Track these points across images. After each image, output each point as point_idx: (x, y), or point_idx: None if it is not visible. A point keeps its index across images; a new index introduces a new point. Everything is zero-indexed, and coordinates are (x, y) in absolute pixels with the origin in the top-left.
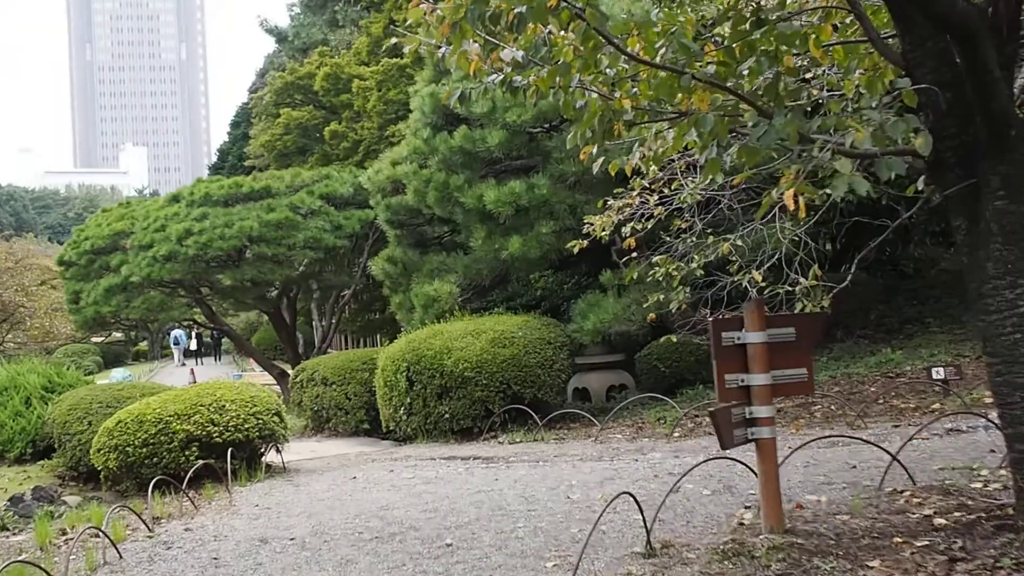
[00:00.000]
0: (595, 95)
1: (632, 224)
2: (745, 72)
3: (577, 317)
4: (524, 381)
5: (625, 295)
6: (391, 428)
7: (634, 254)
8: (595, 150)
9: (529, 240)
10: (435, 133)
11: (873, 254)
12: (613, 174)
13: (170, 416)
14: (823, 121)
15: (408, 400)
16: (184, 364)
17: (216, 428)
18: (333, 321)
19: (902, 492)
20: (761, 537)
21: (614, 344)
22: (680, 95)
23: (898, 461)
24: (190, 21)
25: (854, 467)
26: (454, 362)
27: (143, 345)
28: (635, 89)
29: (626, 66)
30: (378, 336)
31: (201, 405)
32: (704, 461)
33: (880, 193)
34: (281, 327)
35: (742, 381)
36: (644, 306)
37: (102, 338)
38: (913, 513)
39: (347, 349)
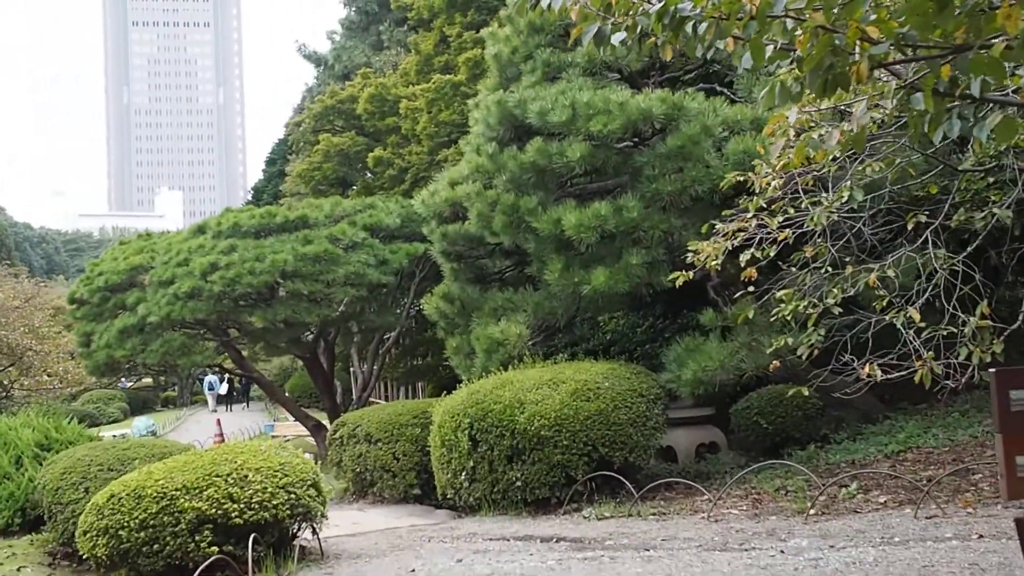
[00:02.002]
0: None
1: (752, 251)
2: None
3: (672, 364)
4: (613, 442)
5: (731, 338)
6: (448, 495)
7: (751, 288)
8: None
9: (616, 273)
10: (502, 148)
11: None
12: (724, 188)
13: (176, 490)
14: None
15: (471, 463)
16: (216, 409)
17: (235, 506)
18: (375, 367)
19: None
20: None
21: (701, 396)
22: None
23: None
24: (227, 65)
25: None
26: (528, 418)
27: (173, 391)
28: (872, 15)
29: None
30: (420, 385)
31: (217, 476)
32: None
33: None
34: (317, 373)
35: None
36: (768, 351)
37: (131, 383)
38: None
39: (387, 398)
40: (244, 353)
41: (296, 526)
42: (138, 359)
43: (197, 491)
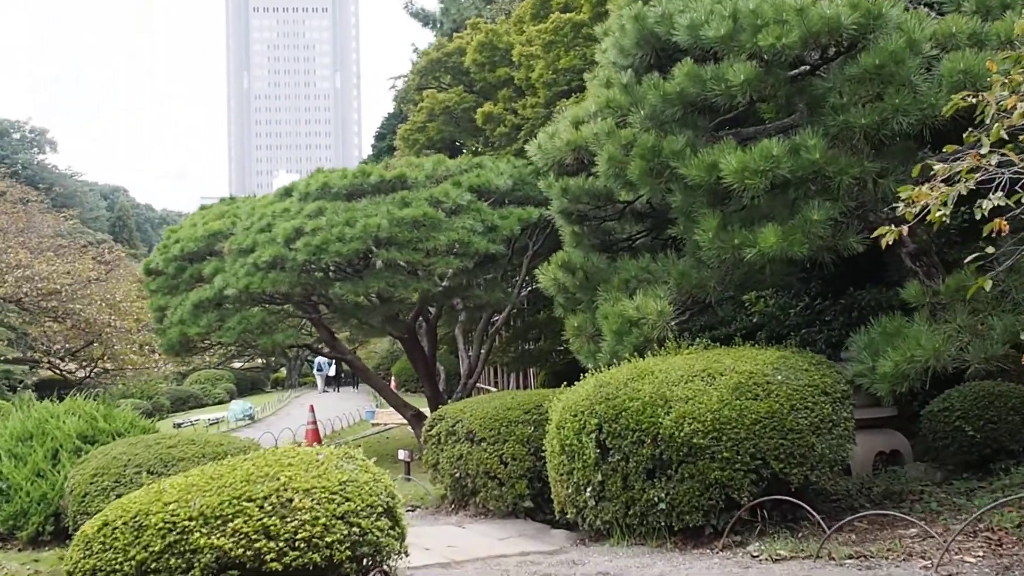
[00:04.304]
0: None
1: (993, 197)
2: None
3: (863, 353)
4: (790, 454)
5: (946, 319)
6: (568, 514)
7: (990, 249)
8: None
9: (791, 232)
10: (639, 78)
11: None
12: (947, 115)
13: (191, 519)
14: None
15: (599, 477)
16: (327, 391)
17: (272, 544)
18: (482, 351)
19: None
20: None
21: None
22: None
23: None
24: (345, 50)
25: None
26: (675, 421)
27: (283, 372)
28: None
29: None
30: (532, 371)
31: (249, 499)
32: None
33: None
34: (417, 357)
35: None
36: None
37: (241, 363)
38: None
39: (496, 384)
40: (335, 332)
41: (361, 569)
42: (213, 337)
43: (219, 521)
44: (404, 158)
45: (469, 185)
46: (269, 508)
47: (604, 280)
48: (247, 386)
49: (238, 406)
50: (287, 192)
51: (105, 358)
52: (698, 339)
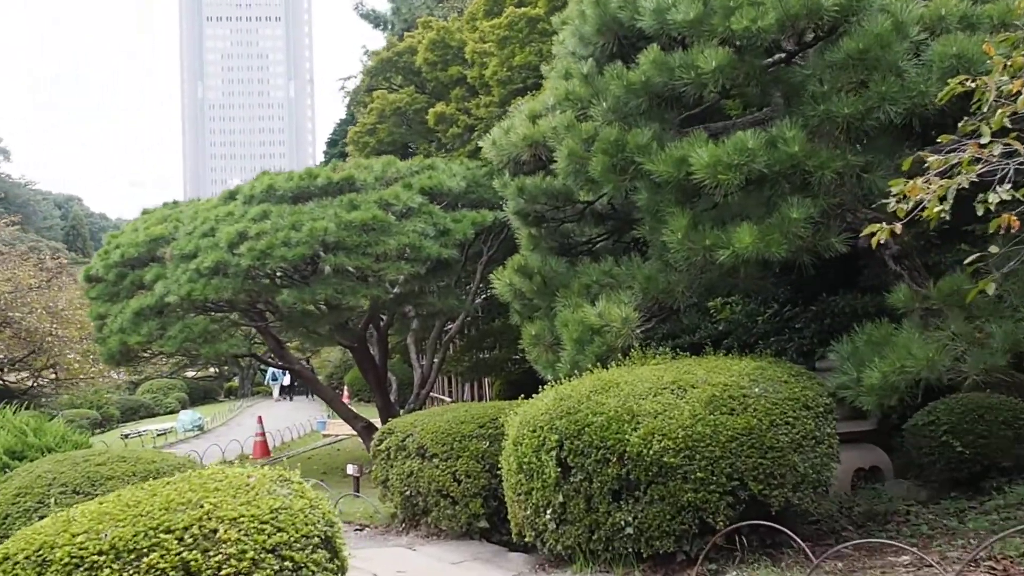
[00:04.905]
0: None
1: (999, 190)
2: None
3: (846, 364)
4: (770, 474)
5: (938, 326)
6: (526, 536)
7: (993, 249)
8: None
9: (768, 231)
10: (601, 68)
11: None
12: (941, 102)
13: (101, 553)
14: None
15: (560, 498)
16: (281, 399)
17: None
18: (436, 360)
19: None
20: None
21: (858, 407)
22: None
23: None
24: (299, 60)
25: None
26: (643, 437)
27: (236, 381)
28: None
29: None
30: (487, 381)
31: (168, 531)
32: None
33: None
34: (368, 367)
35: None
36: None
37: (195, 371)
38: None
39: (450, 395)
40: (289, 342)
41: None
42: (155, 346)
43: (133, 556)
44: (353, 160)
45: (421, 187)
46: (190, 540)
47: (563, 285)
48: (200, 395)
49: (187, 416)
50: (231, 195)
51: (53, 368)
52: (662, 348)
